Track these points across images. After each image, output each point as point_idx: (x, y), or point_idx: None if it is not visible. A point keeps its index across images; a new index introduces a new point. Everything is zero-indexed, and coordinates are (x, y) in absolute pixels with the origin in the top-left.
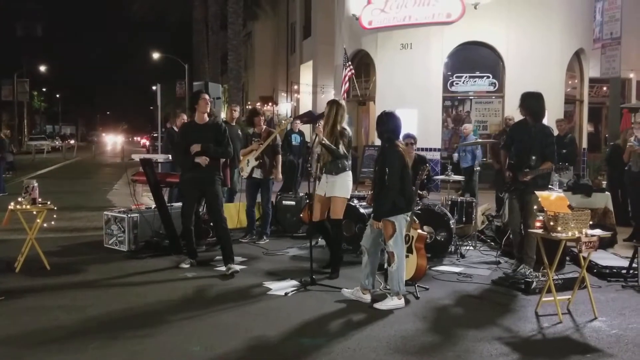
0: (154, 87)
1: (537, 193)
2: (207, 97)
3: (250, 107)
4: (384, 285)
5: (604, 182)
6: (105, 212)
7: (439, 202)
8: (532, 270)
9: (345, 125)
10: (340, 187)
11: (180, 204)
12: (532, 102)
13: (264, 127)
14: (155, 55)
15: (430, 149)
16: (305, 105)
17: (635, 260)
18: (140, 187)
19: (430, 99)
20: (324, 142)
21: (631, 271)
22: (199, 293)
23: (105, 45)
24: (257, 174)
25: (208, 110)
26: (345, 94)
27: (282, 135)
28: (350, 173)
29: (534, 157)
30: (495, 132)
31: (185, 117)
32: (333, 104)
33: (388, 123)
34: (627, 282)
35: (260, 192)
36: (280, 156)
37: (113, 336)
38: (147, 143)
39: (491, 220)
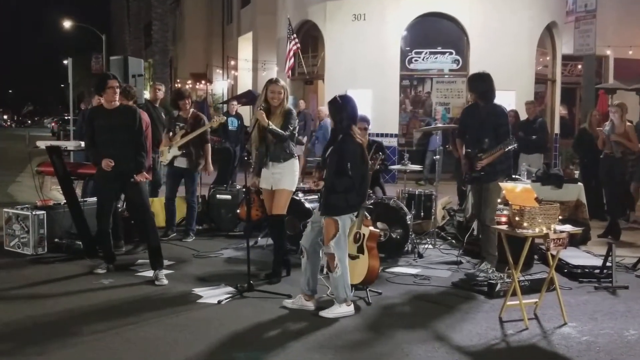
0: (65, 62)
1: (502, 185)
2: (116, 84)
3: (179, 85)
4: (330, 290)
5: (577, 172)
6: (5, 209)
7: (394, 195)
8: (494, 269)
9: (290, 106)
10: (288, 177)
11: (95, 199)
12: (479, 84)
13: (192, 111)
14: (67, 25)
15: (387, 135)
16: (245, 84)
17: (610, 258)
18: (48, 180)
19: (386, 78)
20: (270, 127)
21: (605, 271)
22: (116, 303)
23: (8, 13)
24: (183, 163)
25: (117, 99)
26: (289, 72)
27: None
28: (297, 160)
29: (486, 140)
30: (457, 117)
31: None
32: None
33: (346, 109)
34: (600, 283)
35: (184, 183)
36: (209, 145)
37: (10, 353)
38: (55, 127)
39: (452, 215)
